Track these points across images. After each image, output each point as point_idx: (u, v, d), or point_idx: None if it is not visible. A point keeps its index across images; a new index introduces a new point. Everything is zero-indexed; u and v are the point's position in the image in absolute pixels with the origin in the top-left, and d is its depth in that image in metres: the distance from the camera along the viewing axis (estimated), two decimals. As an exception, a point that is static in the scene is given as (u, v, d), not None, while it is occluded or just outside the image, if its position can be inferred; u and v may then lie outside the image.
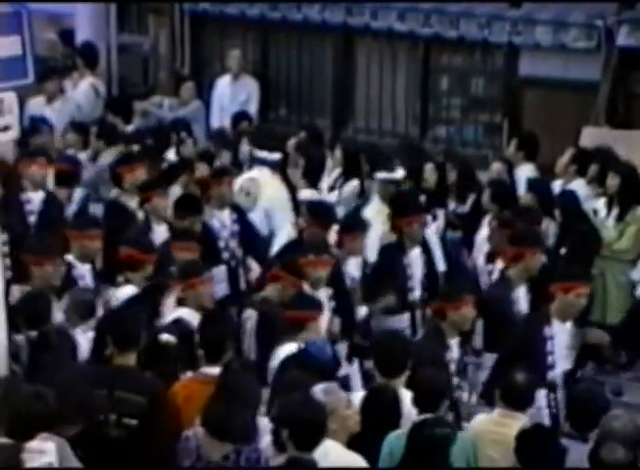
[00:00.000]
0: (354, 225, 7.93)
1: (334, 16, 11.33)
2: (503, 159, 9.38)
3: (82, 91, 11.61)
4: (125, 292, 6.96)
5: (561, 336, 6.67)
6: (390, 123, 11.45)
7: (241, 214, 8.56)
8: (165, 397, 5.67)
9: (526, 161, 9.40)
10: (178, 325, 6.46)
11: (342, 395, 5.57)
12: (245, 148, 9.80)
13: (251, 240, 8.51)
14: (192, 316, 6.59)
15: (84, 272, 7.33)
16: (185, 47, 12.49)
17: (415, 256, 7.84)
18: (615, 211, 8.59)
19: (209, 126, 11.56)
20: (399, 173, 8.77)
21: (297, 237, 8.31)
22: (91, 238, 7.33)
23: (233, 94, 11.57)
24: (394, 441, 5.57)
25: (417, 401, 5.74)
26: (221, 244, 8.31)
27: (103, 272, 7.61)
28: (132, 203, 8.45)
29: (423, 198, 8.76)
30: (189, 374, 6.09)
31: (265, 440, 5.49)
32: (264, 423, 5.60)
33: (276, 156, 9.30)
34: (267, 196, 8.97)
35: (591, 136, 9.69)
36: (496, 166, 9.22)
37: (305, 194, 8.90)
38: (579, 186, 8.91)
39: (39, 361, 5.80)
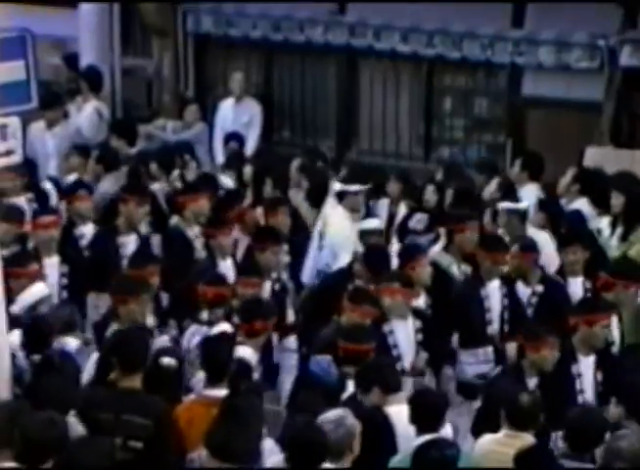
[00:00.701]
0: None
1: (337, 37, 11.51)
2: (501, 182, 9.46)
3: (86, 115, 11.74)
4: (223, 329, 7.05)
5: (587, 371, 6.78)
6: (394, 145, 11.60)
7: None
8: (171, 419, 5.77)
9: (531, 180, 9.53)
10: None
11: (352, 422, 5.59)
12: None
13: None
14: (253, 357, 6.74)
15: None
16: (189, 69, 12.67)
17: (493, 288, 7.83)
18: (619, 231, 8.70)
19: (212, 149, 11.76)
20: (524, 204, 8.75)
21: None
22: (152, 274, 7.53)
23: (236, 117, 11.71)
24: (399, 465, 5.65)
25: (416, 421, 5.80)
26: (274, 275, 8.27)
27: (173, 306, 7.89)
28: (190, 232, 8.68)
29: (425, 217, 8.97)
30: (191, 396, 6.21)
31: (271, 461, 5.56)
32: (269, 445, 5.67)
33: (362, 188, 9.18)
34: (333, 232, 8.89)
35: (594, 156, 9.83)
36: (491, 188, 9.33)
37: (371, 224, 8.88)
38: (582, 205, 9.04)
39: (42, 385, 5.84)
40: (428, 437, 5.68)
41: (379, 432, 5.81)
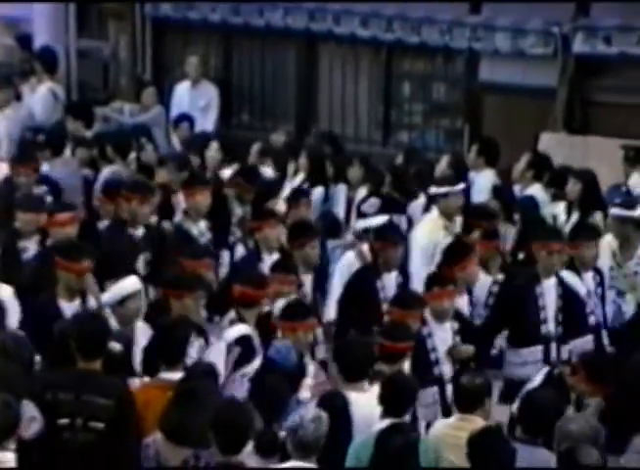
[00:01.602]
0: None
1: (296, 21, 11.88)
2: (453, 163, 9.86)
3: (40, 96, 12.01)
4: (238, 330, 7.05)
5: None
6: (353, 129, 12.01)
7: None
8: (132, 399, 5.93)
9: (487, 166, 9.94)
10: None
11: (326, 419, 5.74)
12: None
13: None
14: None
15: None
16: (146, 52, 12.99)
17: (549, 286, 7.76)
18: (574, 217, 9.07)
19: (169, 132, 12.03)
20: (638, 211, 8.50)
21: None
22: (207, 267, 7.52)
23: (192, 100, 12.08)
24: (361, 448, 5.87)
25: (384, 403, 6.05)
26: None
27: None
28: (195, 229, 8.64)
29: (377, 202, 9.24)
30: (146, 380, 6.43)
31: None
32: None
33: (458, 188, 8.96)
34: (422, 240, 8.75)
35: (549, 142, 10.28)
36: (441, 166, 9.72)
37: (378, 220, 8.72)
38: (537, 191, 9.44)
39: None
40: (391, 421, 5.95)
41: (337, 416, 5.96)
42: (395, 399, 6.08)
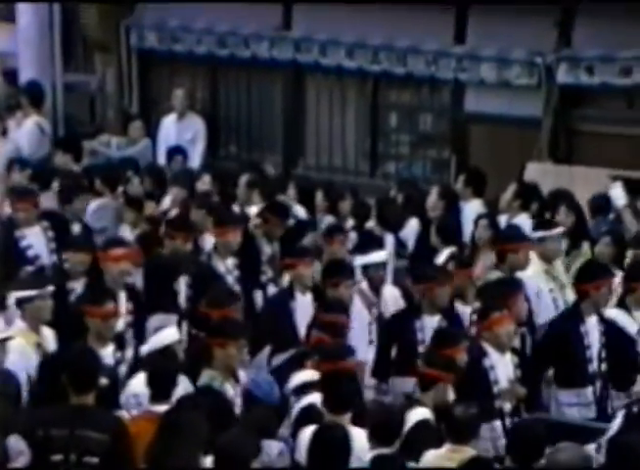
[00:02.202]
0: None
1: (283, 53, 12.12)
2: (443, 193, 10.07)
3: (27, 130, 12.21)
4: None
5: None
6: (341, 160, 12.23)
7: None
8: (127, 432, 5.94)
9: (474, 196, 10.16)
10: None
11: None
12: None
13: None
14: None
15: None
16: (133, 85, 13.23)
17: (592, 324, 7.72)
18: (562, 246, 9.14)
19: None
20: None
21: None
22: (236, 313, 7.55)
23: (179, 133, 12.33)
24: None
25: (372, 436, 6.12)
26: None
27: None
28: (222, 266, 8.67)
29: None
30: (136, 412, 6.53)
31: None
32: (210, 460, 5.81)
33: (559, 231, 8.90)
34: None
35: (535, 171, 10.48)
36: (432, 198, 9.92)
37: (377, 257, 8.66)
38: (523, 220, 9.57)
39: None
40: (382, 451, 6.05)
41: (337, 447, 5.93)
42: (384, 428, 6.17)
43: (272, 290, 8.85)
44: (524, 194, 9.79)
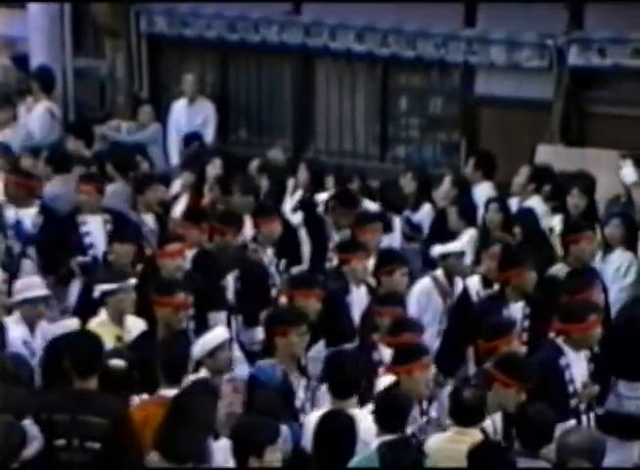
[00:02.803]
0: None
1: (292, 37, 12.19)
2: (455, 179, 10.15)
3: (38, 115, 12.31)
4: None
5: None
6: (351, 144, 12.32)
7: None
8: (129, 418, 6.04)
9: (484, 179, 10.25)
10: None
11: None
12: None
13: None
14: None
15: None
16: (143, 70, 13.31)
17: None
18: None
19: (167, 149, 12.40)
20: None
21: None
22: (317, 298, 7.50)
23: (189, 117, 12.41)
24: (365, 465, 5.88)
25: (381, 420, 6.13)
26: None
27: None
28: (265, 257, 8.73)
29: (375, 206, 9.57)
30: (145, 396, 6.51)
31: (218, 460, 5.90)
32: (221, 443, 5.98)
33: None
34: None
35: (546, 154, 10.55)
36: (445, 187, 9.99)
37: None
38: (536, 204, 9.67)
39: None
40: (391, 437, 6.03)
41: (343, 435, 5.95)
42: (392, 414, 6.17)
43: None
44: (537, 177, 9.84)
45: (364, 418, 6.24)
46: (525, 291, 7.80)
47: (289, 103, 12.67)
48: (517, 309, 7.76)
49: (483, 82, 11.35)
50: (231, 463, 5.80)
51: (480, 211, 9.67)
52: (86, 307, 7.91)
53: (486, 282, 8.27)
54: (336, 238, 9.25)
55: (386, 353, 7.16)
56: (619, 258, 8.78)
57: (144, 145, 11.76)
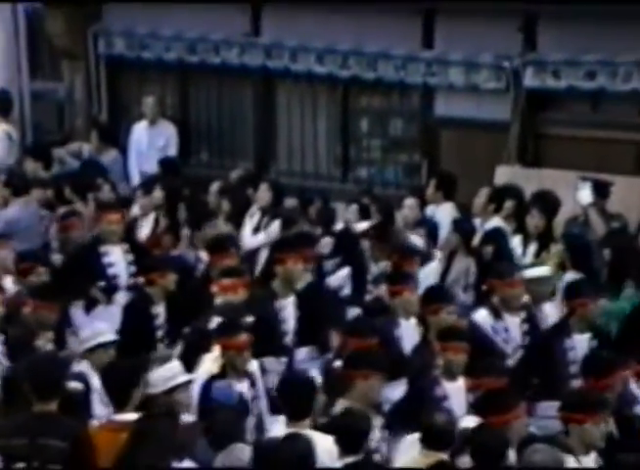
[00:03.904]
0: None
1: (253, 59, 12.64)
2: (415, 196, 10.63)
3: None
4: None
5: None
6: (313, 165, 12.78)
7: None
8: (89, 440, 6.20)
9: (446, 200, 10.70)
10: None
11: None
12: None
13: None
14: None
15: None
16: (102, 92, 13.71)
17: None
18: (532, 249, 9.73)
19: (127, 172, 12.81)
20: None
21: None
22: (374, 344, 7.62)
23: (150, 139, 12.84)
24: None
25: (340, 443, 6.36)
26: None
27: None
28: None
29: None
30: (98, 422, 6.81)
31: None
32: (186, 465, 6.27)
33: None
34: None
35: (504, 175, 11.01)
36: (409, 203, 10.43)
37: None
38: (497, 224, 10.09)
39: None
40: (353, 459, 6.29)
41: (304, 458, 6.04)
42: (351, 436, 6.41)
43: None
44: (496, 198, 10.29)
45: (320, 440, 6.41)
46: (590, 322, 8.03)
47: (250, 124, 13.08)
48: (581, 341, 7.97)
49: (443, 104, 11.81)
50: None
51: (444, 232, 10.19)
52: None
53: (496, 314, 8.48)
54: (374, 270, 9.49)
55: (448, 389, 7.39)
56: (568, 278, 9.19)
57: (104, 168, 12.10)
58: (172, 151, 12.96)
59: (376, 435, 6.89)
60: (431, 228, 10.42)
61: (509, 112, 11.32)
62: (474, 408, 7.03)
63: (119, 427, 6.38)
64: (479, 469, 6.27)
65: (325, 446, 6.41)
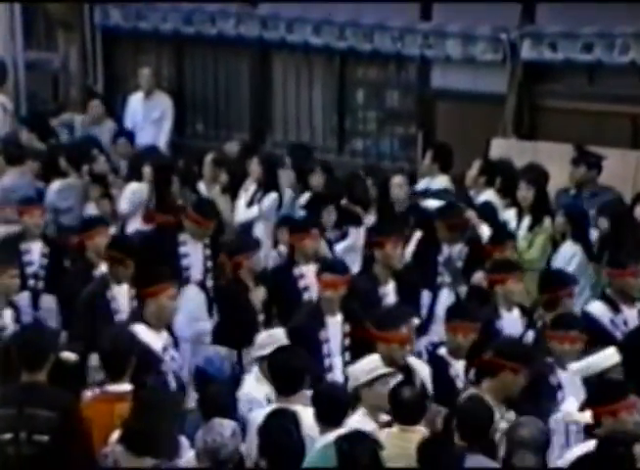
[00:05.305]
0: None
1: (249, 30, 12.80)
2: (403, 172, 10.83)
3: None
4: None
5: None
6: (308, 137, 12.93)
7: None
8: (78, 411, 6.22)
9: (441, 172, 10.88)
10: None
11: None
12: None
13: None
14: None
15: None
16: (97, 63, 13.89)
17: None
18: (526, 222, 9.90)
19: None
20: None
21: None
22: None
23: (146, 112, 12.98)
24: (322, 462, 6.04)
25: (320, 417, 6.39)
26: None
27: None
28: (297, 270, 8.85)
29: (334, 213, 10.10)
30: (91, 392, 6.77)
31: (185, 457, 6.12)
32: (184, 441, 6.23)
33: None
34: None
35: (500, 147, 11.20)
36: (397, 181, 10.47)
37: None
38: (489, 197, 10.30)
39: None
40: (337, 432, 6.22)
41: (289, 433, 6.07)
42: (331, 409, 6.41)
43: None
44: (489, 170, 10.46)
45: (308, 415, 6.45)
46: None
47: (246, 96, 13.23)
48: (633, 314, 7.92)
49: (440, 76, 11.95)
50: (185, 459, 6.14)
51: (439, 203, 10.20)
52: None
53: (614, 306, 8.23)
54: (445, 252, 9.37)
55: (562, 378, 7.25)
56: (567, 248, 9.47)
57: (98, 139, 12.18)
58: (168, 123, 13.11)
59: (501, 426, 6.61)
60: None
61: (505, 84, 11.48)
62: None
63: (114, 398, 6.49)
64: (464, 439, 6.28)
65: (311, 420, 6.46)
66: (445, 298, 9.14)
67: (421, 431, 6.50)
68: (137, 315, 7.63)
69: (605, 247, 9.35)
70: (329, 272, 8.24)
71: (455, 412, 6.50)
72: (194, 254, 9.27)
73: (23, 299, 8.80)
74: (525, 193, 10.00)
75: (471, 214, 9.56)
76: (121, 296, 8.39)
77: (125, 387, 6.56)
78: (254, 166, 11.03)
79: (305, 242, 8.96)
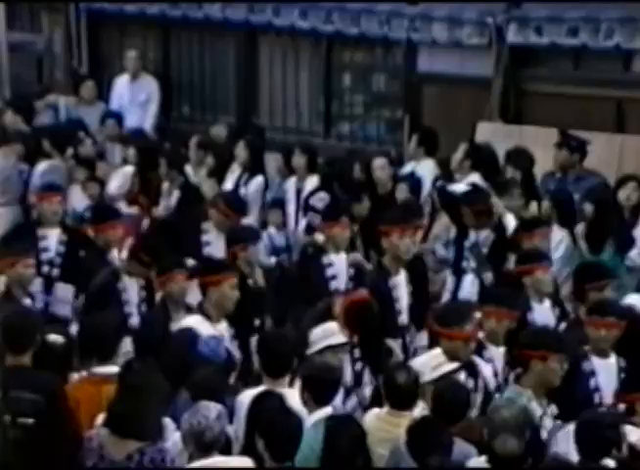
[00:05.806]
0: None
1: (236, 13, 12.86)
2: (385, 154, 10.93)
3: None
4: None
5: None
6: (295, 121, 13.03)
7: None
8: (63, 394, 6.27)
9: (427, 156, 11.01)
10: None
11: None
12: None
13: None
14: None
15: None
16: (82, 46, 13.92)
17: None
18: None
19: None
20: None
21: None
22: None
23: (132, 94, 13.07)
24: (313, 442, 6.00)
25: (312, 394, 6.44)
26: None
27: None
28: (326, 259, 8.91)
29: (327, 197, 10.21)
30: (78, 375, 6.79)
31: (171, 439, 6.13)
32: (170, 423, 6.25)
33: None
34: None
35: (485, 131, 11.30)
36: (379, 164, 10.61)
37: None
38: (475, 180, 10.29)
39: None
40: (324, 411, 6.35)
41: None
42: (321, 389, 6.50)
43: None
44: (474, 154, 10.57)
45: (294, 396, 6.53)
46: None
47: (232, 79, 13.30)
48: None
49: (426, 60, 12.04)
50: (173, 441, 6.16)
51: (427, 188, 10.49)
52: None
53: None
54: (472, 238, 9.36)
55: (597, 365, 7.20)
56: (554, 234, 9.45)
57: (84, 121, 12.27)
58: (154, 106, 13.19)
59: (546, 424, 6.63)
60: (413, 184, 10.68)
61: (491, 68, 11.57)
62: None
63: (101, 380, 6.55)
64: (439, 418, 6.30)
65: (297, 402, 6.52)
66: (469, 283, 9.20)
67: (410, 416, 6.52)
68: (164, 305, 7.72)
69: (592, 234, 9.44)
70: None
71: (432, 397, 6.52)
72: (215, 243, 9.37)
73: (36, 285, 8.80)
74: (512, 176, 10.13)
75: (496, 202, 9.56)
76: (131, 287, 8.48)
77: (113, 369, 6.60)
78: (240, 151, 11.11)
79: (335, 230, 9.01)
